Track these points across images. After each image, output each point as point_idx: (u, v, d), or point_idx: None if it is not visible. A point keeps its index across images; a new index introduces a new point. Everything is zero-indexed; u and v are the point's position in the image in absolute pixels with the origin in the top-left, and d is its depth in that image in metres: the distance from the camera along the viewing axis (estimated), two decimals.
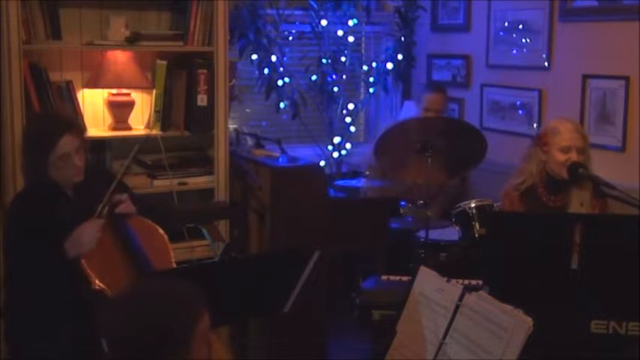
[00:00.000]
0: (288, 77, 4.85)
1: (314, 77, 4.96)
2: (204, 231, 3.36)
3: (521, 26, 4.53)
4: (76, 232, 2.83)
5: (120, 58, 3.90)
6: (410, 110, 5.03)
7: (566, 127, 3.31)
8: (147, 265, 2.85)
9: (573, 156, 3.25)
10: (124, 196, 3.00)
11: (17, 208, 2.97)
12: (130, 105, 3.99)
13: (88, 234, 2.83)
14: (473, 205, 3.47)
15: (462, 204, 3.53)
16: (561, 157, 3.27)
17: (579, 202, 3.27)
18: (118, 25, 3.83)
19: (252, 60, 4.73)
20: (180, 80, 3.95)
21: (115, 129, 3.93)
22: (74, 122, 3.04)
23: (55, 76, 3.77)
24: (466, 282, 3.20)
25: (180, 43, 3.93)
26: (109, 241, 2.90)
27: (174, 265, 2.97)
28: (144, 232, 2.95)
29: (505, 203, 3.39)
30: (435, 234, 3.76)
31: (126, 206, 2.99)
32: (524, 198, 3.33)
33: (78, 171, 2.93)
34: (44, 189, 2.92)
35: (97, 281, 2.75)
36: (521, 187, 3.35)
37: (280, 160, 4.04)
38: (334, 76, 4.98)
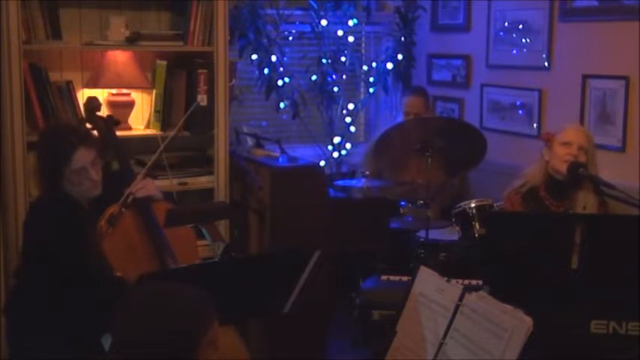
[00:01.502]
0: (288, 77, 4.85)
1: (314, 77, 4.96)
2: (204, 231, 3.35)
3: (521, 26, 4.53)
4: (140, 180, 2.95)
5: (120, 58, 3.90)
6: None
7: (572, 125, 3.47)
8: (170, 256, 2.84)
9: (573, 150, 3.27)
10: (145, 181, 3.00)
11: (37, 215, 2.94)
12: (129, 105, 3.99)
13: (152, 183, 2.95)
14: (473, 205, 3.47)
15: (462, 204, 3.53)
16: (562, 150, 3.29)
17: (582, 207, 3.28)
18: (118, 25, 3.83)
19: (252, 60, 4.73)
20: (180, 80, 3.95)
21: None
22: (89, 135, 2.98)
23: (55, 76, 3.77)
24: (466, 282, 3.21)
25: (180, 43, 3.93)
26: (133, 228, 2.89)
27: (200, 258, 2.96)
28: None
29: (506, 207, 3.39)
30: (435, 234, 3.76)
31: (147, 189, 2.98)
32: (526, 201, 3.34)
33: (94, 185, 2.88)
34: (60, 203, 2.86)
35: (117, 270, 2.76)
36: (522, 189, 3.36)
37: (280, 160, 4.04)
38: (334, 76, 4.98)
